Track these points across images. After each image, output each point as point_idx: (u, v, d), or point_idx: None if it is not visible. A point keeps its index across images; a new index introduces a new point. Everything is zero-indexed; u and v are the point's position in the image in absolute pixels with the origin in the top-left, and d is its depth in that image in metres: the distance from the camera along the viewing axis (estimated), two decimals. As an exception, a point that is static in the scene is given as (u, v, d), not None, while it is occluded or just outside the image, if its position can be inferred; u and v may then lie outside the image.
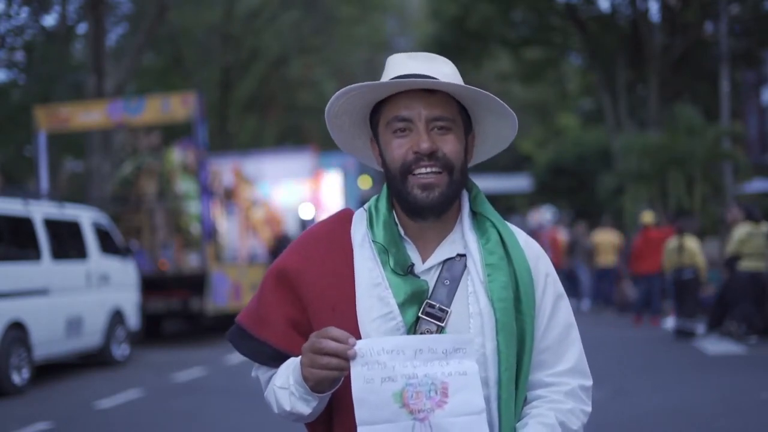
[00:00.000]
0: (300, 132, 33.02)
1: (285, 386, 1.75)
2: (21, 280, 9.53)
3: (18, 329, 9.29)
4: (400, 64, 1.83)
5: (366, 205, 1.91)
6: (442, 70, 1.82)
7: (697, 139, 17.76)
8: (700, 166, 17.81)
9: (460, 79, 1.84)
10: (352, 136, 1.94)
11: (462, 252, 1.82)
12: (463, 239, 1.84)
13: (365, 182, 26.38)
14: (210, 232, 13.80)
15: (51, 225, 10.20)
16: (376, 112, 1.86)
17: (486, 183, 29.39)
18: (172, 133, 18.80)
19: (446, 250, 1.83)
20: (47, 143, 15.37)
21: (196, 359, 11.61)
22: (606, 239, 17.31)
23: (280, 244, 16.05)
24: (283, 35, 28.28)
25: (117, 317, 11.52)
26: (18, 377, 9.19)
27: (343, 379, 1.68)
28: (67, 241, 10.69)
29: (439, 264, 1.82)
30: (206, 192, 13.87)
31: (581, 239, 18.93)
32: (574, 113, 35.96)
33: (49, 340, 9.85)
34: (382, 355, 1.62)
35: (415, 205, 1.79)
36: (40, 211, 10.11)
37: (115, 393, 9.07)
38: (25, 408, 8.48)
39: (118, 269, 11.80)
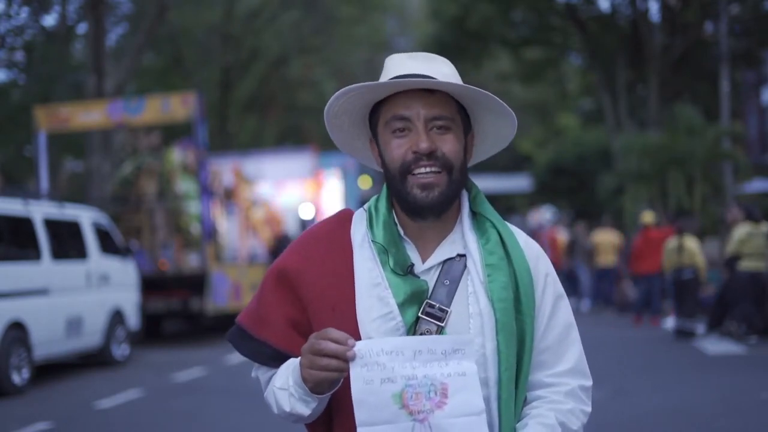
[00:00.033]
0: (300, 132, 33.02)
1: (284, 387, 1.75)
2: (21, 280, 9.53)
3: (18, 329, 9.29)
4: (399, 65, 1.83)
5: (366, 206, 1.91)
6: (441, 70, 1.82)
7: (697, 139, 17.76)
8: (700, 166, 17.82)
9: (459, 79, 1.84)
10: (351, 136, 1.94)
11: (462, 252, 1.82)
12: (463, 239, 1.84)
13: (365, 182, 26.39)
14: (210, 232, 13.80)
15: (51, 225, 10.20)
16: (375, 112, 1.86)
17: (486, 183, 29.39)
18: (172, 133, 18.80)
19: (446, 250, 1.83)
20: (47, 143, 15.37)
21: (196, 359, 11.61)
22: (606, 239, 17.31)
23: (280, 244, 16.05)
24: (283, 35, 28.28)
25: (117, 317, 11.52)
26: (18, 377, 9.19)
27: (342, 380, 1.68)
28: (67, 241, 10.69)
29: (438, 264, 1.81)
30: (206, 192, 13.87)
31: (580, 239, 18.93)
32: (574, 113, 35.96)
33: (49, 340, 9.85)
34: (382, 356, 1.62)
35: (415, 205, 1.79)
36: (40, 211, 10.11)
37: (115, 393, 9.07)
38: (25, 408, 8.48)
39: (118, 269, 11.80)
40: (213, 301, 13.48)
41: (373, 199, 1.91)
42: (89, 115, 14.80)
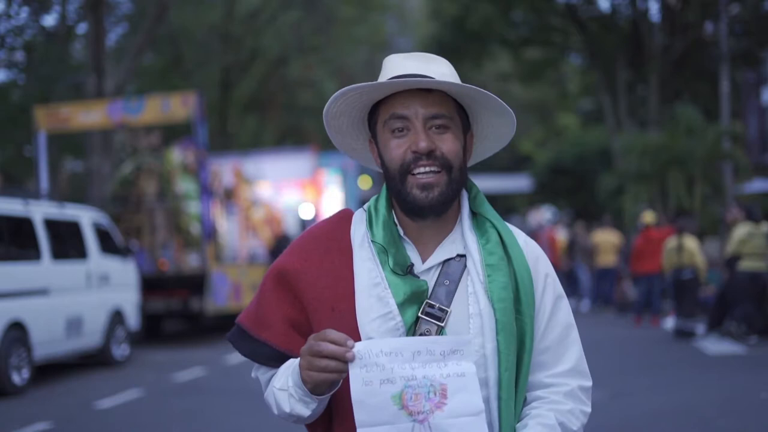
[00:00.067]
0: (300, 132, 33.01)
1: (284, 388, 1.75)
2: (21, 280, 9.53)
3: (18, 329, 9.29)
4: (397, 65, 1.83)
5: (365, 206, 1.91)
6: (439, 69, 1.82)
7: (697, 139, 17.75)
8: (700, 166, 17.81)
9: (458, 78, 1.84)
10: (350, 137, 1.94)
11: (462, 252, 1.82)
12: (462, 239, 1.84)
13: (365, 182, 26.39)
14: (210, 232, 13.81)
15: (51, 225, 10.20)
16: (373, 113, 1.86)
17: (486, 183, 29.38)
18: (172, 133, 18.81)
19: (446, 250, 1.83)
20: (47, 143, 15.38)
21: (196, 359, 11.61)
22: (606, 239, 17.31)
23: (280, 244, 16.05)
24: (283, 35, 28.28)
25: (117, 317, 11.52)
26: (18, 377, 9.19)
27: (342, 381, 1.68)
28: (67, 241, 10.69)
29: (438, 264, 1.82)
30: (206, 192, 13.88)
31: (579, 239, 18.93)
32: (574, 113, 35.95)
33: (49, 340, 9.85)
34: (381, 357, 1.62)
35: (415, 205, 1.79)
36: (40, 211, 10.11)
37: (115, 393, 9.07)
38: (25, 408, 8.48)
39: (118, 269, 11.80)
40: (213, 301, 13.49)
41: (372, 199, 1.91)
42: (89, 115, 14.80)
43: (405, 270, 1.78)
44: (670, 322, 13.44)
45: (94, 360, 11.25)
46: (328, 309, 1.80)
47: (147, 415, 8.10)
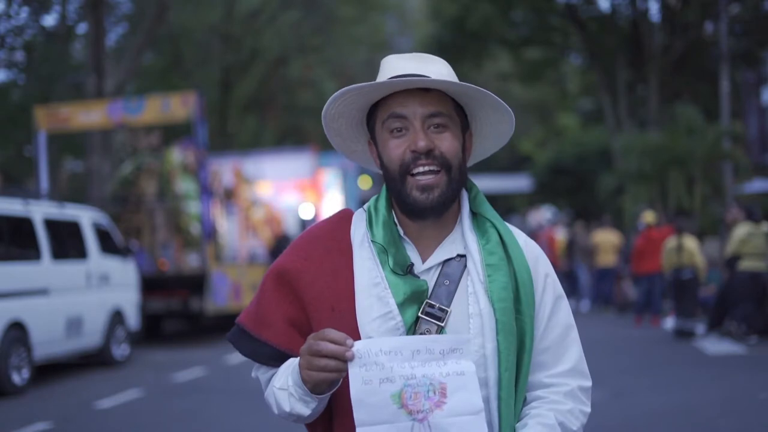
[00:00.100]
0: (300, 132, 33.00)
1: (284, 387, 1.75)
2: (21, 280, 9.53)
3: (18, 329, 9.29)
4: (394, 65, 1.83)
5: (365, 206, 1.92)
6: (437, 69, 1.82)
7: (697, 139, 17.76)
8: (700, 166, 17.82)
9: (455, 78, 1.84)
10: (349, 139, 1.95)
11: (462, 252, 1.83)
12: (463, 240, 1.84)
13: (365, 182, 26.39)
14: (210, 232, 13.81)
15: (51, 225, 10.20)
16: (372, 114, 1.86)
17: (486, 183, 29.38)
18: (172, 133, 18.80)
19: (446, 250, 1.83)
20: (47, 143, 15.38)
21: (196, 359, 11.61)
22: (606, 239, 17.31)
23: (280, 244, 16.06)
24: (283, 35, 28.28)
25: (117, 317, 11.52)
26: (18, 377, 9.19)
27: (342, 380, 1.68)
28: (67, 241, 10.69)
29: (438, 264, 1.82)
30: (206, 192, 13.88)
31: (579, 239, 18.93)
32: (574, 113, 35.96)
33: (49, 340, 9.85)
34: (380, 356, 1.62)
35: (415, 207, 1.79)
36: (40, 211, 10.11)
37: (115, 393, 9.07)
38: (25, 408, 8.49)
39: (118, 269, 11.80)
40: (213, 301, 13.49)
41: (372, 199, 1.91)
42: (89, 115, 14.80)
43: (405, 270, 1.78)
44: (670, 322, 13.44)
45: (94, 360, 11.25)
46: (328, 309, 1.80)
47: (147, 415, 8.10)
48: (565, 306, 1.89)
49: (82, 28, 22.35)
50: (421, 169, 1.77)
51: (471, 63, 26.57)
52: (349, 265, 1.82)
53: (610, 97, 23.67)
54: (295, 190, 18.99)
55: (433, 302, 1.76)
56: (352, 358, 1.62)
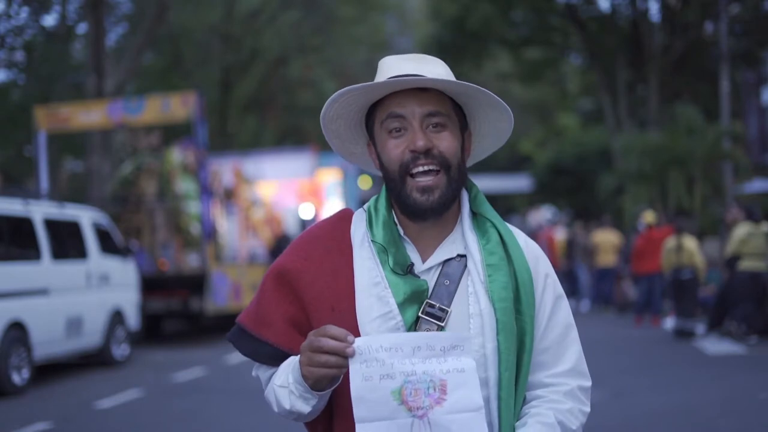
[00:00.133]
0: (300, 132, 33.00)
1: (284, 385, 1.76)
2: (21, 280, 9.53)
3: (18, 329, 9.29)
4: (392, 66, 1.84)
5: (365, 206, 1.92)
6: (435, 70, 1.82)
7: (697, 139, 17.76)
8: (700, 166, 17.81)
9: (453, 77, 1.84)
10: (349, 141, 1.95)
11: (462, 252, 1.83)
12: (463, 239, 1.84)
13: (365, 182, 26.38)
14: (210, 232, 13.81)
15: (51, 225, 10.20)
16: (371, 115, 1.87)
17: (486, 183, 29.38)
18: (172, 133, 18.80)
19: (446, 250, 1.83)
20: (47, 143, 15.38)
21: (196, 359, 11.61)
22: (606, 239, 17.31)
23: (280, 244, 16.06)
24: (283, 35, 28.27)
25: (117, 317, 11.52)
26: (18, 377, 9.19)
27: (342, 377, 1.68)
28: (67, 241, 10.69)
29: (438, 264, 1.82)
30: (206, 192, 13.88)
31: (578, 239, 18.93)
32: (574, 113, 35.96)
33: (49, 340, 9.85)
34: (381, 352, 1.62)
35: (415, 208, 1.79)
36: (40, 211, 10.11)
37: (115, 393, 9.07)
38: (25, 408, 8.49)
39: (118, 269, 11.80)
40: (213, 301, 13.49)
41: (372, 199, 1.92)
42: (89, 115, 14.80)
43: (405, 270, 1.78)
44: (670, 322, 13.44)
45: (94, 360, 11.25)
46: (328, 308, 1.80)
47: (147, 415, 8.10)
48: (565, 306, 1.89)
49: (82, 28, 22.34)
50: (420, 168, 1.77)
51: (471, 63, 26.57)
52: (349, 265, 1.83)
53: (610, 97, 23.67)
54: (295, 190, 18.98)
55: (433, 302, 1.77)
56: (352, 355, 1.62)
